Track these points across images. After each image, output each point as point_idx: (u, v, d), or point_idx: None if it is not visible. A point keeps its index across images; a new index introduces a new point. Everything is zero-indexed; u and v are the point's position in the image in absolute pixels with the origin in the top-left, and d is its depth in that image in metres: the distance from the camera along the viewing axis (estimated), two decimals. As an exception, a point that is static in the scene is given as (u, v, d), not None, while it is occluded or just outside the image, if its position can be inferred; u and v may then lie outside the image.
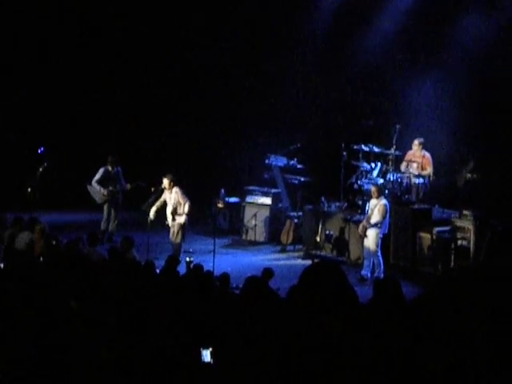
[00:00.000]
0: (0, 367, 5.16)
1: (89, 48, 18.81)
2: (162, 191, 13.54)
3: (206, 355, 4.72)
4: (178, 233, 13.45)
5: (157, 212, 13.42)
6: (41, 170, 15.24)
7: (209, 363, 4.71)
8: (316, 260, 13.48)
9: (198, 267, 9.28)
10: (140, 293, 6.96)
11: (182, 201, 13.36)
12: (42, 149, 15.91)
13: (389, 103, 16.15)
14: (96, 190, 15.18)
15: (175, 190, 13.41)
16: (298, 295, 3.52)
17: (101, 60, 18.88)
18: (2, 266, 9.11)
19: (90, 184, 15.25)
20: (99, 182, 15.21)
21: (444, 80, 15.67)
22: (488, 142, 14.75)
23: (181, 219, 13.43)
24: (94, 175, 15.27)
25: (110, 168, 15.26)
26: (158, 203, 13.48)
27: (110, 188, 15.19)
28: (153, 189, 13.52)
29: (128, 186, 15.22)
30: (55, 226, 13.56)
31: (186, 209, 13.37)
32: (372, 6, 16.70)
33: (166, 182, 13.39)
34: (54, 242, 10.79)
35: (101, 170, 15.23)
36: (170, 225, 13.54)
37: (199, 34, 18.25)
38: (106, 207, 15.27)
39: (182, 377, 4.76)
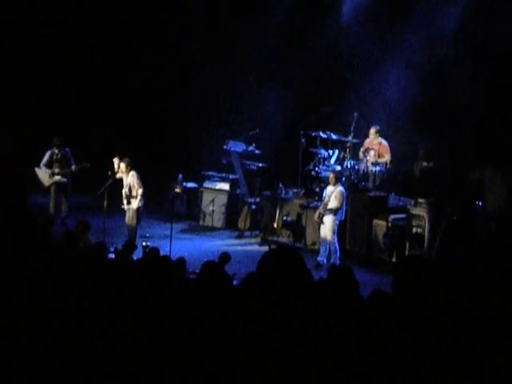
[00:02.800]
0: None
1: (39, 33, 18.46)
2: (115, 174, 13.38)
3: None
4: (132, 217, 13.35)
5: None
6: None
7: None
8: (273, 246, 13.53)
9: (154, 250, 9.22)
10: (94, 277, 6.88)
11: (136, 185, 13.25)
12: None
13: (347, 91, 16.18)
14: (42, 172, 15.11)
15: (131, 173, 13.29)
16: (256, 281, 3.51)
17: (44, 40, 18.52)
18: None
19: (39, 167, 15.14)
20: (46, 165, 15.13)
21: (401, 70, 15.73)
22: (443, 130, 14.90)
23: (135, 203, 13.32)
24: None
25: (56, 150, 15.15)
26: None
27: (56, 170, 15.08)
28: (109, 172, 13.36)
29: (74, 168, 15.12)
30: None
31: (139, 193, 13.27)
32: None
33: (122, 165, 13.26)
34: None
35: (47, 153, 15.16)
36: (125, 209, 13.42)
37: (162, 20, 18.08)
38: (52, 190, 15.17)
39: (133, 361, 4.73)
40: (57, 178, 15.12)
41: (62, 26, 18.52)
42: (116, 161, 13.39)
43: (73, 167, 15.15)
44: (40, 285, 6.22)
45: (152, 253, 8.75)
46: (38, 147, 15.64)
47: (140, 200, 13.30)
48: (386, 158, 14.75)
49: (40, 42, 18.54)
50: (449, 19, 15.26)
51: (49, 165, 15.14)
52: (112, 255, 10.18)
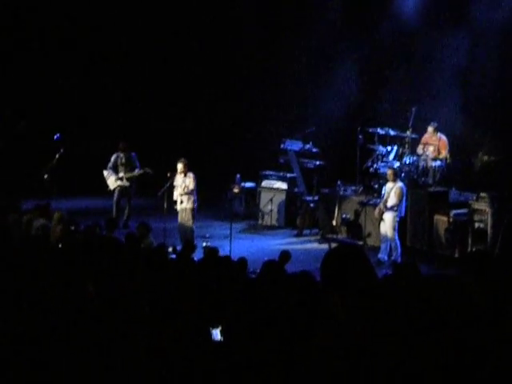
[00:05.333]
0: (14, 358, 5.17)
1: (98, 36, 18.78)
2: (174, 176, 13.48)
3: (216, 334, 4.79)
4: (188, 217, 13.42)
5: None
6: (57, 156, 15.31)
7: (219, 341, 4.76)
8: (333, 244, 13.48)
9: (213, 250, 9.27)
10: (155, 277, 6.96)
11: (191, 185, 13.30)
12: (58, 135, 15.95)
13: (405, 85, 15.99)
14: (108, 175, 15.31)
15: (189, 174, 13.37)
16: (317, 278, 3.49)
17: (111, 46, 18.86)
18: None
19: (106, 169, 15.38)
20: (112, 168, 15.32)
21: (458, 62, 15.46)
22: (504, 123, 14.61)
23: (189, 203, 13.38)
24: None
25: (121, 154, 15.34)
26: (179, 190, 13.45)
27: (120, 175, 15.27)
28: (168, 174, 13.48)
29: (136, 172, 15.27)
30: (72, 212, 13.59)
31: (193, 194, 13.34)
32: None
33: (180, 166, 13.35)
34: (72, 228, 10.81)
35: (113, 157, 15.34)
36: (179, 209, 13.49)
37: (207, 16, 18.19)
38: (116, 193, 15.34)
39: (194, 355, 4.77)
40: (121, 182, 15.30)
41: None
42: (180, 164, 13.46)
43: (136, 171, 15.30)
44: (104, 285, 6.32)
45: (213, 253, 8.80)
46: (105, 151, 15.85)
47: (194, 200, 13.38)
48: (445, 153, 14.54)
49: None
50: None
51: (114, 168, 15.37)
52: (173, 256, 10.29)
